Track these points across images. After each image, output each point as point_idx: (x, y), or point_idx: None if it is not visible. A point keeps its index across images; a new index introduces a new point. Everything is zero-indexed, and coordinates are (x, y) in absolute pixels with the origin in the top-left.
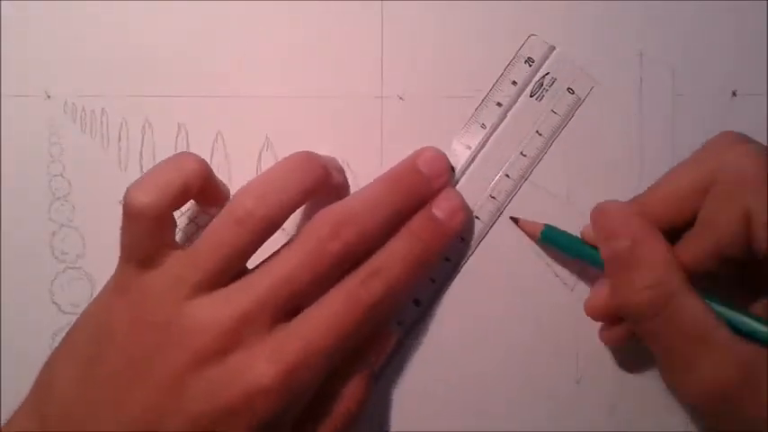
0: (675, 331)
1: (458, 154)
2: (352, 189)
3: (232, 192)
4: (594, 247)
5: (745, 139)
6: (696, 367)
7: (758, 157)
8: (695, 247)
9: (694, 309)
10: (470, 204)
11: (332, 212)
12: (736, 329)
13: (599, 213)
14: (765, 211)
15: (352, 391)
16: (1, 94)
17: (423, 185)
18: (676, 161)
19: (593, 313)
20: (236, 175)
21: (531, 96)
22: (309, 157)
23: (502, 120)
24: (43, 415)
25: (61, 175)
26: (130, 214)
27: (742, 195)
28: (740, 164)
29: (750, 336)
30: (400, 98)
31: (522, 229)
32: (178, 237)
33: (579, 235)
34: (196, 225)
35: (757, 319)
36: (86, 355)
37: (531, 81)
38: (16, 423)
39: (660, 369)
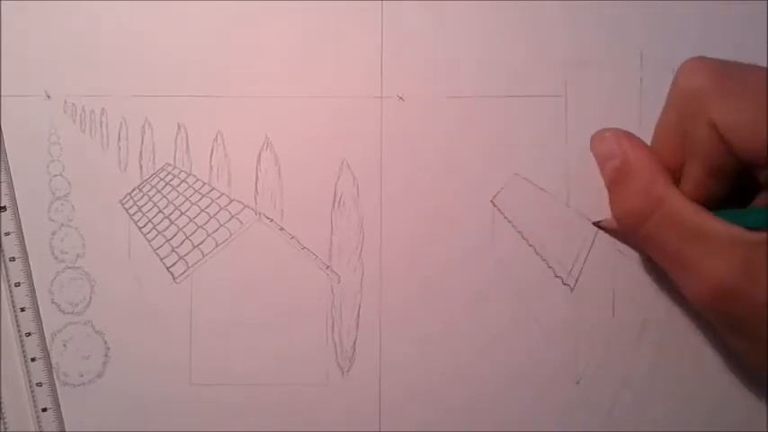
0: (670, 232)
1: None
2: (352, 190)
3: (232, 190)
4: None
5: (696, 59)
6: (695, 266)
7: (706, 68)
8: (692, 174)
9: (684, 208)
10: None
11: None
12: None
13: (596, 139)
14: (726, 116)
15: None
16: (1, 94)
17: None
18: None
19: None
20: (236, 175)
21: None
22: None
23: None
24: None
25: (61, 175)
26: None
27: (701, 110)
28: (690, 82)
29: (752, 227)
30: (400, 98)
31: None
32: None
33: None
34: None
35: (759, 209)
36: None
37: None
38: None
39: (671, 278)
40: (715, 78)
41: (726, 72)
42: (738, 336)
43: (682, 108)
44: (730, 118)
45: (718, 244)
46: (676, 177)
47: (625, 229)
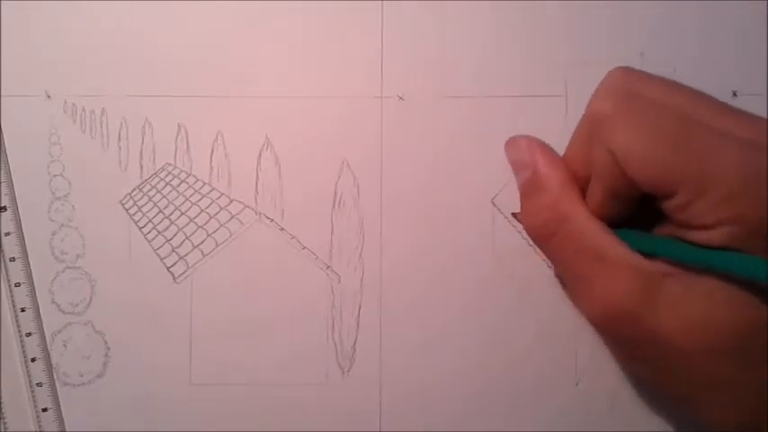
0: (572, 250)
1: None
2: (353, 190)
3: (232, 190)
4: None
5: (618, 72)
6: (593, 286)
7: (617, 92)
8: (594, 192)
9: (588, 228)
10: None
11: None
12: (645, 253)
13: (510, 145)
14: (623, 146)
15: None
16: (1, 94)
17: None
18: None
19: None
20: (236, 175)
21: None
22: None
23: None
24: None
25: (61, 175)
26: None
27: (603, 134)
28: (599, 105)
29: (653, 255)
30: (400, 98)
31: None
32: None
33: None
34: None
35: (661, 238)
36: None
37: None
38: None
39: (567, 293)
40: (623, 104)
41: (637, 97)
42: (629, 357)
43: (589, 127)
44: (626, 148)
45: (616, 268)
46: (585, 189)
47: (534, 240)
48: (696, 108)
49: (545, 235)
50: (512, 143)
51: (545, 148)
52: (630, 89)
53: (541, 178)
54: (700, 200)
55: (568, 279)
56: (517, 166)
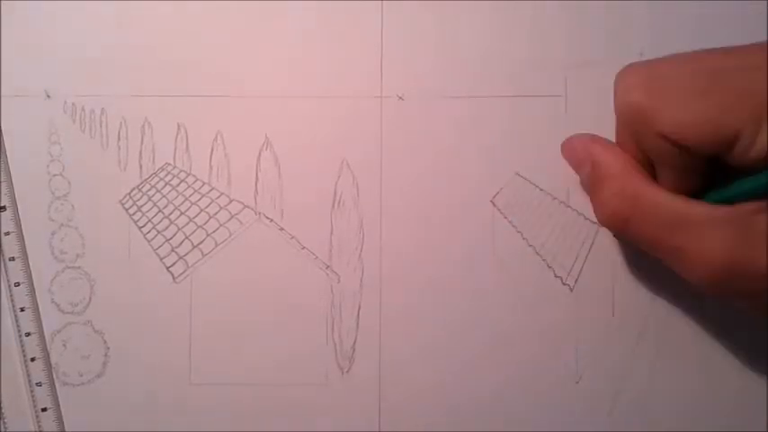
0: (653, 228)
1: None
2: (352, 190)
3: (232, 190)
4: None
5: (628, 70)
6: (688, 252)
7: (638, 84)
8: (665, 176)
9: (661, 200)
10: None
11: None
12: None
13: (566, 149)
14: (670, 125)
15: None
16: (1, 94)
17: None
18: None
19: None
20: (235, 175)
21: None
22: None
23: None
24: None
25: (61, 174)
26: None
27: (647, 126)
28: (628, 103)
29: (738, 197)
30: (400, 98)
31: None
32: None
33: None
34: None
35: (735, 182)
36: None
37: None
38: None
39: (672, 269)
40: (652, 89)
41: (659, 78)
42: (753, 305)
43: (630, 127)
44: (677, 123)
45: (703, 225)
46: (652, 172)
47: (614, 231)
48: (712, 60)
49: (620, 222)
50: (567, 145)
51: (599, 139)
52: (649, 75)
53: (601, 166)
54: (762, 130)
55: (664, 257)
56: (577, 166)
